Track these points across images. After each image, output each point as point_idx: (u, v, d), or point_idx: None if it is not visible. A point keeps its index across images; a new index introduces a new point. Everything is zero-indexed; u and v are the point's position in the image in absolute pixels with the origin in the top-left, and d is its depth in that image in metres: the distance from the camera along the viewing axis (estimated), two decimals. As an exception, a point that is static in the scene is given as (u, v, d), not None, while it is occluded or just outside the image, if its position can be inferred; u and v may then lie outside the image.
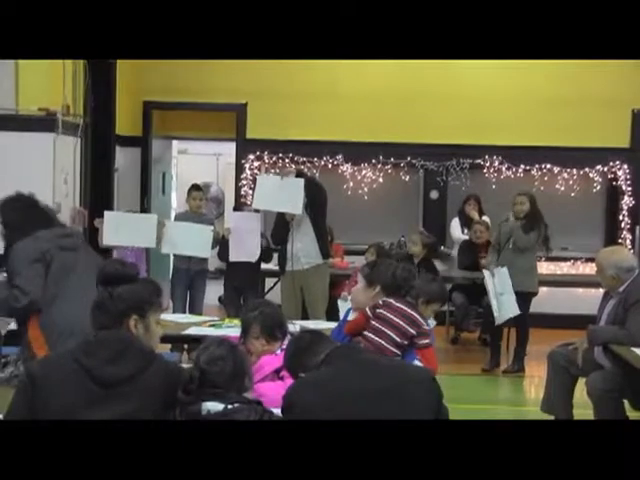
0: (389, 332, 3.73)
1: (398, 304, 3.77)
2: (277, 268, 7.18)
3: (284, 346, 3.55)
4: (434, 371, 3.79)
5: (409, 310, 3.77)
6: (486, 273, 7.21)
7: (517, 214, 7.17)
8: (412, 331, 3.71)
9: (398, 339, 3.69)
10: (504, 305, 7.02)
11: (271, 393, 3.12)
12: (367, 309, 3.80)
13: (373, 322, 3.78)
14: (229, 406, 2.64)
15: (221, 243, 7.23)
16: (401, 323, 3.74)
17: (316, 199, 6.70)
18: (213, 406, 2.65)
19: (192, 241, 7.05)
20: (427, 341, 3.74)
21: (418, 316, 3.76)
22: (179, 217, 7.70)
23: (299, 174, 6.88)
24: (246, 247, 7.14)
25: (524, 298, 7.05)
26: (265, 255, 7.39)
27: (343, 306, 3.99)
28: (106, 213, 7.10)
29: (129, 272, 2.85)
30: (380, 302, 3.79)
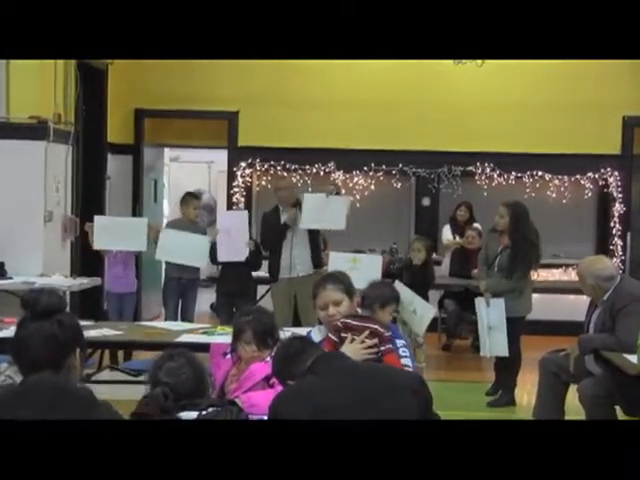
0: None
1: (356, 322, 3.71)
2: (268, 275, 7.19)
3: (273, 353, 3.54)
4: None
5: (370, 324, 3.73)
6: (480, 301, 6.56)
7: (495, 225, 6.64)
8: (374, 349, 3.67)
9: (372, 356, 3.65)
10: (493, 341, 6.43)
11: (262, 402, 3.12)
12: (331, 335, 3.72)
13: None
14: (203, 412, 2.64)
15: (212, 247, 7.20)
16: (368, 341, 3.71)
17: None
18: (187, 415, 2.64)
19: (188, 250, 7.04)
20: (389, 346, 3.70)
21: (378, 326, 3.72)
22: (172, 224, 7.67)
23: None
24: (234, 246, 7.11)
25: (514, 323, 6.41)
26: (255, 262, 7.33)
27: (316, 336, 3.86)
28: (96, 217, 7.12)
29: (63, 302, 2.56)
30: (339, 324, 3.71)
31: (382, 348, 3.67)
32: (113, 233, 6.92)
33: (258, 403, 3.19)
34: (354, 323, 3.71)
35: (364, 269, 6.16)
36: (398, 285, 6.43)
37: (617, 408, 4.89)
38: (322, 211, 6.89)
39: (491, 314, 6.44)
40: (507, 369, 6.62)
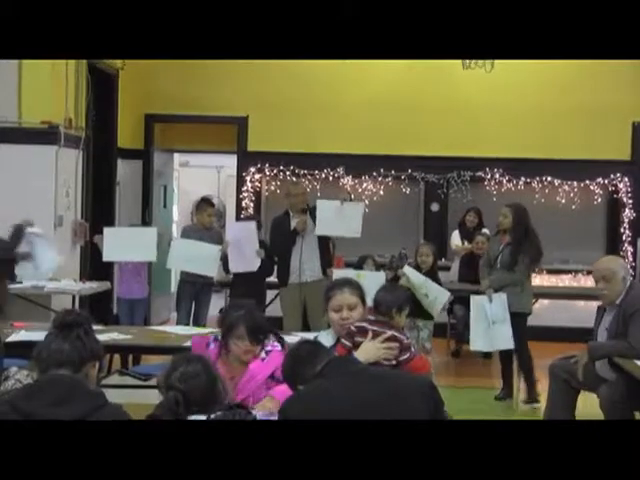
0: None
1: (372, 327, 3.64)
2: (276, 280, 7.19)
3: (267, 348, 3.54)
4: (427, 372, 3.76)
5: (386, 330, 3.66)
6: (483, 298, 6.66)
7: (498, 226, 6.89)
8: (395, 352, 3.61)
9: (386, 362, 3.59)
10: (498, 335, 6.49)
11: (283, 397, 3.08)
12: (343, 340, 3.64)
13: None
14: (212, 416, 2.63)
15: (225, 258, 7.21)
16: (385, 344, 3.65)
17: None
18: (195, 418, 2.63)
19: (199, 259, 7.05)
20: (408, 355, 3.63)
21: (395, 332, 3.66)
22: (187, 230, 7.68)
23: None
24: (245, 257, 7.12)
25: (519, 320, 6.54)
26: (267, 268, 7.34)
27: (324, 341, 3.80)
28: (105, 229, 7.11)
29: (91, 320, 2.76)
30: (353, 328, 3.64)
31: (401, 358, 3.60)
32: (122, 244, 6.92)
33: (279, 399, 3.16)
34: (370, 327, 3.64)
35: (368, 285, 6.17)
36: (408, 269, 6.54)
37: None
38: (337, 218, 6.93)
39: (494, 308, 6.55)
40: (521, 367, 6.71)
